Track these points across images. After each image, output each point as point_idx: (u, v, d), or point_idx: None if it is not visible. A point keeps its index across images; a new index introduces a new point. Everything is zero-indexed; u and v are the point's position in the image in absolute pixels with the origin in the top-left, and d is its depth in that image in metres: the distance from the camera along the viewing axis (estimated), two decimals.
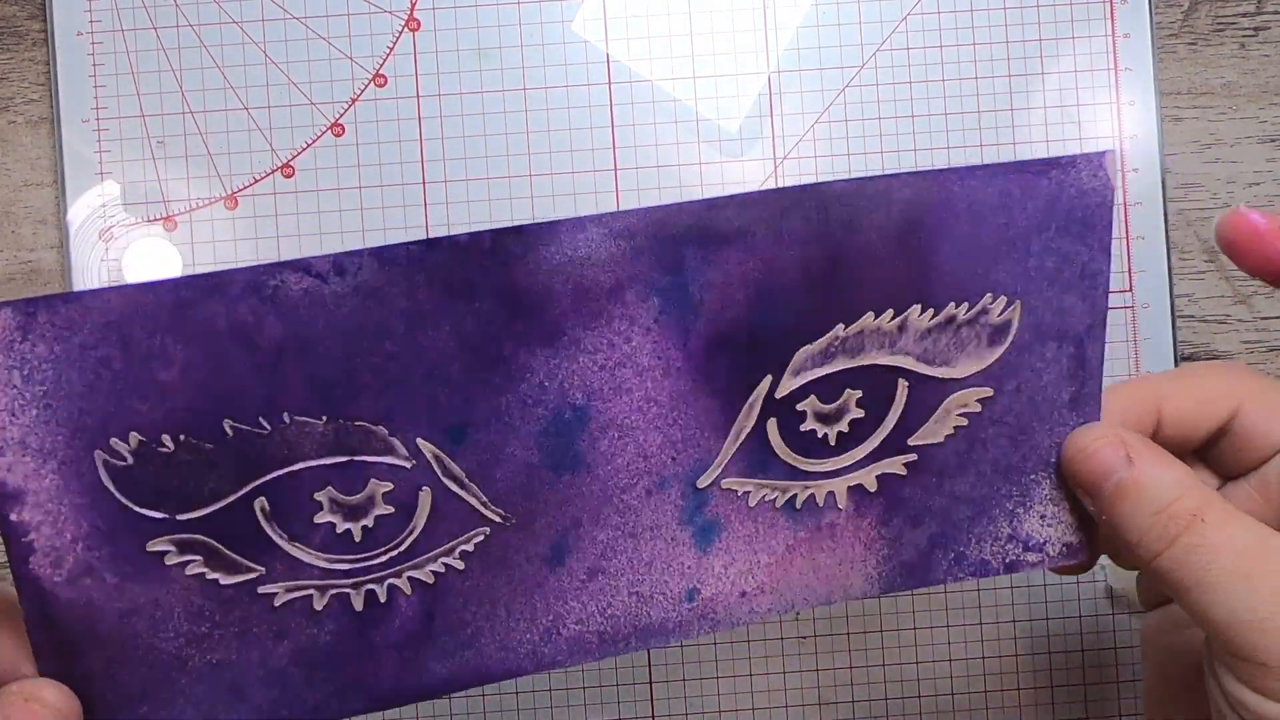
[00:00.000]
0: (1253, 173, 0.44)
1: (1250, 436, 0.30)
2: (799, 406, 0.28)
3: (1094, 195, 0.28)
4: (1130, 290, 0.44)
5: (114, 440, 0.25)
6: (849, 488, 0.29)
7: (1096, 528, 0.31)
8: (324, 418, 0.26)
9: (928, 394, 0.29)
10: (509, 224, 0.44)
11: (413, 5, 0.44)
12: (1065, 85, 0.44)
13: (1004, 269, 0.28)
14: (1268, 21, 0.44)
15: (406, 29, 0.44)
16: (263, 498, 0.26)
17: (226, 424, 0.25)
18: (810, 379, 0.28)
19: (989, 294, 0.28)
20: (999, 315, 0.29)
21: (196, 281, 0.25)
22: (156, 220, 0.44)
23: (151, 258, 0.43)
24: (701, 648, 0.44)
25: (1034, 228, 0.28)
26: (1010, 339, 0.29)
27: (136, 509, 0.25)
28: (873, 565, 0.30)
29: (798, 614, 0.44)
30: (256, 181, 0.44)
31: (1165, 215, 0.44)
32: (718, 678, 0.44)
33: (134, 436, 0.25)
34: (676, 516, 0.29)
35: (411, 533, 0.27)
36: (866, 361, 0.28)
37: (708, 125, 0.44)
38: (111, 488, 0.25)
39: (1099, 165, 0.28)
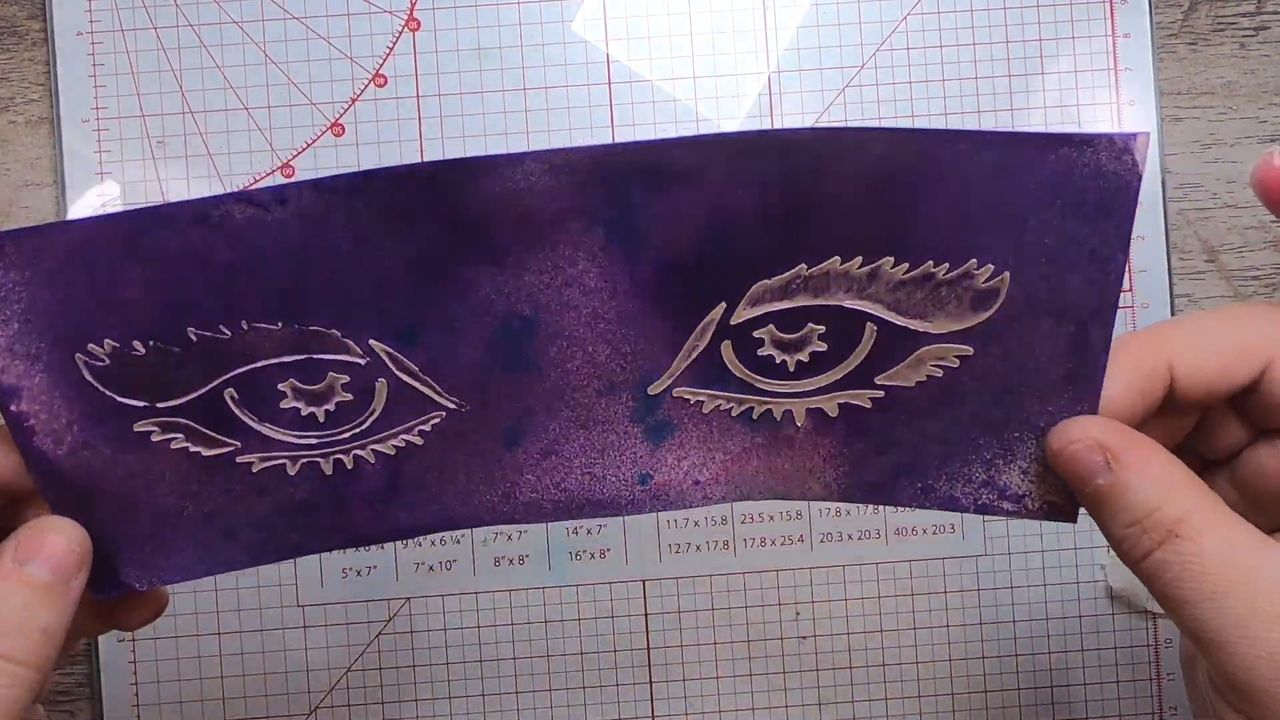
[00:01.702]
0: None
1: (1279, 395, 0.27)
2: (756, 333, 0.28)
3: (1114, 179, 0.26)
4: (1130, 290, 0.44)
5: (90, 346, 0.28)
6: (808, 409, 0.29)
7: None
8: (280, 323, 0.28)
9: (898, 341, 0.28)
10: None
11: (413, 5, 0.44)
12: (1065, 85, 0.44)
13: (993, 239, 0.27)
14: (1268, 21, 0.44)
15: (406, 29, 0.44)
16: (231, 389, 0.28)
17: (190, 332, 0.27)
18: (768, 310, 0.28)
19: (974, 260, 0.27)
20: (984, 282, 0.27)
21: (145, 213, 0.27)
22: None
23: None
24: (701, 648, 0.44)
25: (1032, 204, 0.26)
26: (997, 306, 0.28)
27: (119, 399, 0.28)
28: (832, 476, 0.30)
29: (797, 613, 0.44)
30: (256, 181, 0.44)
31: (1165, 215, 0.44)
32: (718, 677, 0.44)
33: (107, 343, 0.27)
34: (628, 415, 0.29)
35: (371, 414, 0.29)
36: (832, 302, 0.28)
37: (708, 125, 0.44)
38: (94, 382, 0.28)
39: (1125, 148, 0.26)
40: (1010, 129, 0.27)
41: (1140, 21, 0.44)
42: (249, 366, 0.28)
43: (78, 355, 0.28)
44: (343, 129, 0.44)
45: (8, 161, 0.44)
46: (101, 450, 0.28)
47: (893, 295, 0.28)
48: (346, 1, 0.44)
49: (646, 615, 0.44)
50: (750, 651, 0.44)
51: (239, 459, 0.29)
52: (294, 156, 0.44)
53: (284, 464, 0.29)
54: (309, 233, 0.27)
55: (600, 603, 0.44)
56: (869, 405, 0.29)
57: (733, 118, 0.44)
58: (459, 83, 0.44)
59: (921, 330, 0.28)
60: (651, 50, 0.44)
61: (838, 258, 0.27)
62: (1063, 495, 0.29)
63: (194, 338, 0.28)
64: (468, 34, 0.44)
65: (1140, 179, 0.26)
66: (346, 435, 0.29)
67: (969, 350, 0.28)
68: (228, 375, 0.28)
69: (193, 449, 0.29)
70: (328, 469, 0.29)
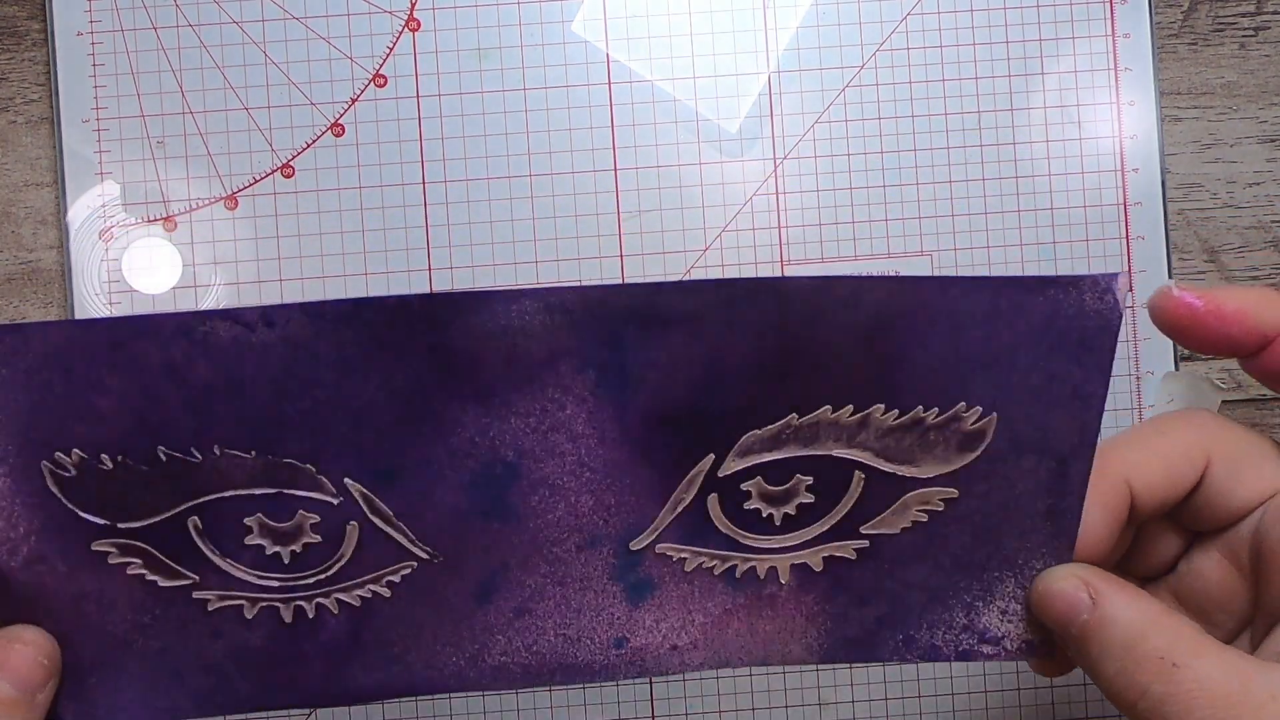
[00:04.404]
0: (1253, 173, 0.44)
1: (1218, 495, 0.28)
2: (743, 486, 0.28)
3: (1096, 318, 0.26)
4: (1131, 290, 0.44)
5: (58, 454, 0.26)
6: (792, 565, 0.29)
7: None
8: (253, 452, 0.27)
9: (886, 488, 0.28)
10: (506, 223, 0.44)
11: (413, 5, 0.44)
12: (1065, 85, 0.44)
13: (982, 381, 0.27)
14: (1268, 21, 0.44)
15: (406, 29, 0.44)
16: (195, 517, 0.27)
17: (159, 450, 0.26)
18: (758, 462, 0.28)
19: (963, 403, 0.27)
20: (972, 424, 0.27)
21: (130, 322, 0.26)
22: (156, 220, 0.44)
23: (151, 258, 0.43)
24: None
25: (1021, 345, 0.27)
26: (983, 448, 0.28)
27: (81, 514, 0.27)
28: (814, 636, 0.29)
29: None
30: (256, 181, 0.44)
31: (1165, 215, 0.44)
32: (718, 677, 0.44)
33: (75, 453, 0.26)
34: (607, 572, 0.28)
35: (339, 560, 0.28)
36: (821, 451, 0.28)
37: (708, 125, 0.44)
38: (58, 493, 0.27)
39: (1107, 288, 0.26)
40: (1001, 274, 0.28)
41: (1140, 21, 0.44)
42: (217, 495, 0.27)
43: (44, 463, 0.26)
44: (343, 129, 0.44)
45: (8, 161, 0.44)
46: (56, 566, 0.27)
47: (881, 442, 0.27)
48: (346, 1, 0.44)
49: None
50: None
51: (196, 594, 0.28)
52: (294, 157, 0.44)
53: (242, 605, 0.28)
54: (293, 359, 0.26)
55: None
56: (854, 556, 0.29)
57: (733, 118, 0.44)
58: (459, 83, 0.44)
59: (908, 475, 0.28)
60: (651, 50, 0.44)
61: (828, 407, 0.27)
62: (1039, 633, 0.29)
63: (163, 457, 0.26)
64: (468, 34, 0.44)
65: (1121, 317, 0.26)
66: (310, 580, 0.28)
67: (954, 493, 0.28)
68: (194, 502, 0.27)
69: (149, 576, 0.27)
70: (287, 616, 0.28)
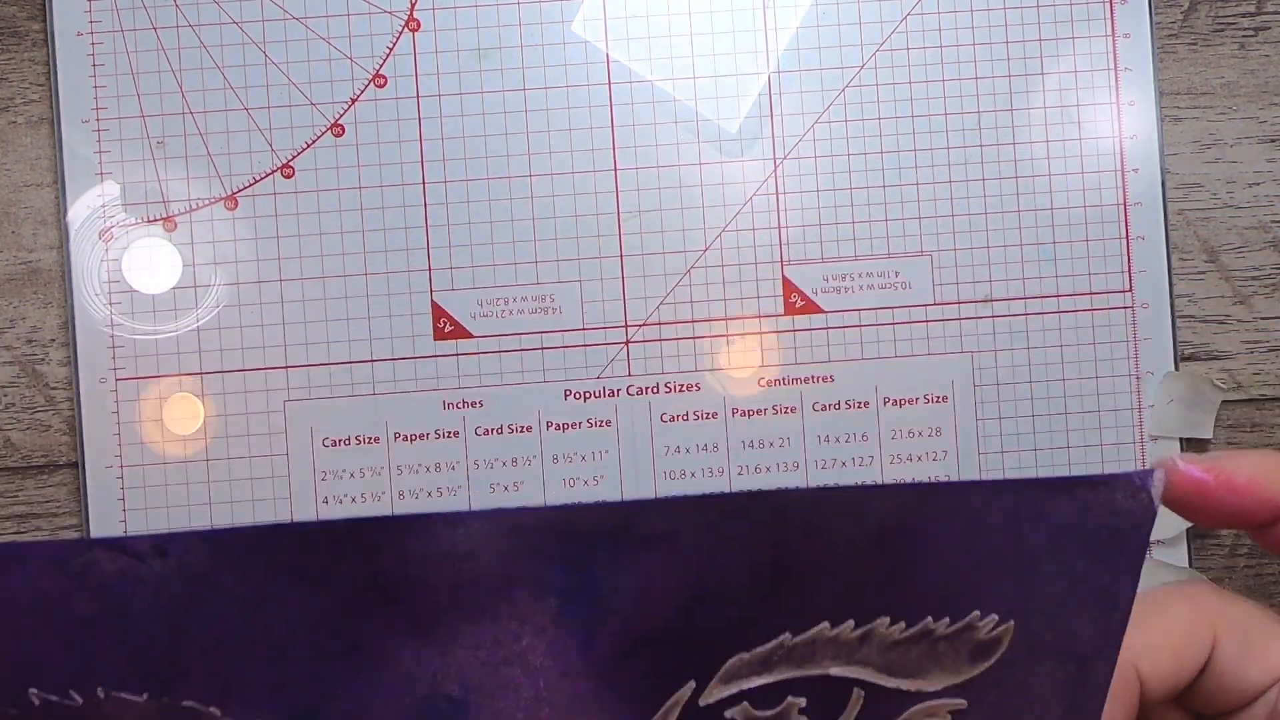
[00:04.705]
0: (1253, 173, 0.44)
1: (1227, 676, 0.27)
2: (728, 714, 0.25)
3: (1128, 517, 0.24)
4: (1130, 290, 0.44)
5: None
6: None
7: None
8: (145, 695, 0.23)
9: (887, 703, 0.25)
10: (506, 223, 0.44)
11: (413, 5, 0.44)
12: (1065, 85, 0.44)
13: (999, 587, 0.24)
14: (1268, 21, 0.45)
15: (406, 29, 0.44)
16: None
17: (32, 693, 0.23)
18: (745, 688, 0.25)
19: (977, 611, 0.25)
20: (987, 633, 0.25)
21: None
22: (156, 220, 0.44)
23: (151, 258, 0.43)
24: None
25: (1043, 549, 0.24)
26: (997, 656, 0.25)
27: None
28: None
29: None
30: (256, 181, 0.44)
31: (1165, 215, 0.44)
32: None
33: None
34: None
35: None
36: (817, 671, 0.25)
37: (708, 125, 0.44)
38: None
39: (1142, 486, 0.24)
40: (1023, 478, 0.26)
41: (1140, 21, 0.44)
42: None
43: None
44: (343, 129, 0.44)
45: (8, 162, 0.44)
46: None
47: (884, 656, 0.25)
48: (346, 1, 0.44)
49: None
50: None
51: None
52: (294, 157, 0.44)
53: None
54: (191, 593, 0.22)
55: None
56: None
57: (732, 118, 0.44)
58: (459, 83, 0.44)
59: (914, 689, 0.25)
60: (651, 50, 0.44)
61: (826, 624, 0.24)
62: None
63: (36, 701, 0.23)
64: (468, 34, 0.44)
65: (1155, 515, 0.24)
66: None
67: (963, 704, 0.25)
68: None
69: None
70: None
